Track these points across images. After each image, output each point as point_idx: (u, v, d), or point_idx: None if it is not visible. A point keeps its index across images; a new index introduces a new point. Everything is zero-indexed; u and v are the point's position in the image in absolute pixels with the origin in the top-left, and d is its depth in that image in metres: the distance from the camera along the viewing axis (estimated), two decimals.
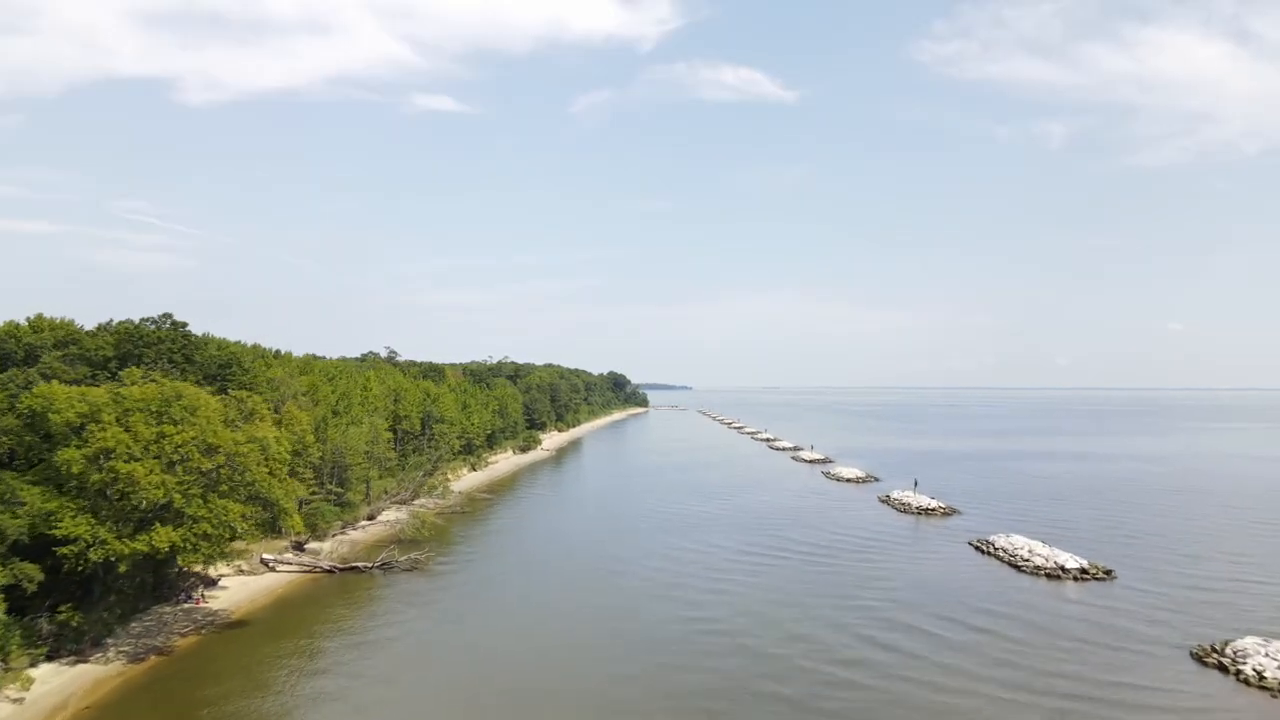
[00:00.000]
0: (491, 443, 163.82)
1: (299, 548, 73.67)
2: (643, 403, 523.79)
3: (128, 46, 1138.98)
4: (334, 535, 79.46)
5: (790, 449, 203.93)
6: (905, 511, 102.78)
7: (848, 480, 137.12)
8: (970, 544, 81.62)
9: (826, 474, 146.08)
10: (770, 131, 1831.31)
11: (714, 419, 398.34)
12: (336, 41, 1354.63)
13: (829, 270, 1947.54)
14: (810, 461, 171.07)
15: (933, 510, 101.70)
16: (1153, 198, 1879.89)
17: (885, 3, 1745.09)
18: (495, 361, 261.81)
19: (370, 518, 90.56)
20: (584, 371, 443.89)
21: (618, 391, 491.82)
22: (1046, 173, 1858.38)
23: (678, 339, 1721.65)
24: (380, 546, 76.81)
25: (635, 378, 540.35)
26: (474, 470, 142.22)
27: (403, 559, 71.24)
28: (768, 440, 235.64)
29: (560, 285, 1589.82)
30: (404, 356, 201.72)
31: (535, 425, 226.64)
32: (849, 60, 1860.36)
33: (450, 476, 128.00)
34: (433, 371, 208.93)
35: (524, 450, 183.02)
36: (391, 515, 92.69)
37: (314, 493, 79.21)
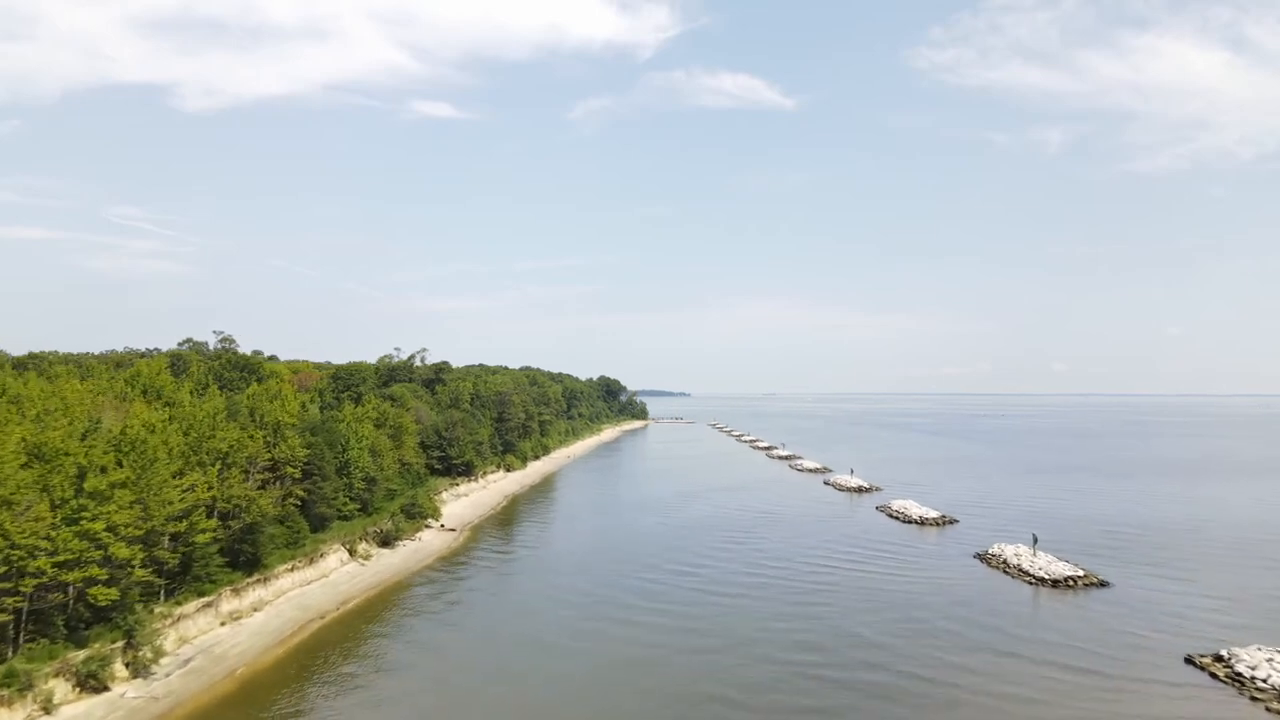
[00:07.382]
0: (260, 560, 64.87)
1: None
2: (641, 414, 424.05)
3: (126, 53, 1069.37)
4: None
5: (933, 520, 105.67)
6: None
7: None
8: None
9: (1094, 618, 48.40)
10: (769, 138, 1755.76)
11: (739, 439, 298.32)
12: (335, 48, 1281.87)
13: (827, 276, 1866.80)
14: (1035, 581, 72.88)
15: None
16: (1150, 203, 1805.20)
17: (883, 10, 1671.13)
18: (405, 358, 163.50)
19: None
20: (569, 376, 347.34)
21: (610, 400, 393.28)
22: (1044, 179, 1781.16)
23: (675, 345, 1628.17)
24: None
25: (632, 384, 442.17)
26: (107, 685, 43.93)
27: None
28: (862, 490, 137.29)
29: (558, 291, 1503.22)
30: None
31: (453, 470, 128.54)
32: (847, 67, 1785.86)
33: None
34: (245, 369, 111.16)
35: (386, 544, 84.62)
36: None
37: None
